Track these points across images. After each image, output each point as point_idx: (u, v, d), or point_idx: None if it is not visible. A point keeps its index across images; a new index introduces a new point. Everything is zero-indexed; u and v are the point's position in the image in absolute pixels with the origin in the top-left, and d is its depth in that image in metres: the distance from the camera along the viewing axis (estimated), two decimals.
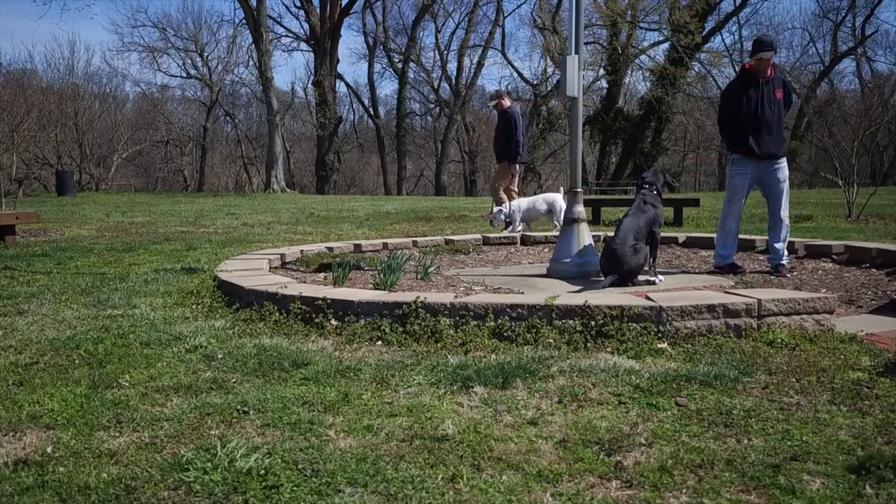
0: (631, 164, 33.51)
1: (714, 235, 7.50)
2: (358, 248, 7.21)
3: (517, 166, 9.51)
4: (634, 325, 3.55)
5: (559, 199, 9.09)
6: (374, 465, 2.16)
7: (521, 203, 9.09)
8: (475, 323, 3.69)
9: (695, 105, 35.67)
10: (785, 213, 5.79)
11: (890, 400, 2.68)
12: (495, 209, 8.97)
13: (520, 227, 9.02)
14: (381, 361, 3.28)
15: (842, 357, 3.23)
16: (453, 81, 39.82)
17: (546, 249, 7.35)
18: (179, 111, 41.64)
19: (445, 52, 40.25)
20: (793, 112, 38.11)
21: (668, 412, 2.60)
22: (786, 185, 5.76)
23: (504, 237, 7.97)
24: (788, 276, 5.52)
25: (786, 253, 5.78)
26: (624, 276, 4.92)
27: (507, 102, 9.55)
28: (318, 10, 32.07)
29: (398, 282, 4.96)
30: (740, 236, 7.48)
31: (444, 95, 40.30)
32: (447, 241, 7.61)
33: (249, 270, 5.28)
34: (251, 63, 34.27)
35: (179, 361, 3.35)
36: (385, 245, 7.37)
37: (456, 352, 3.43)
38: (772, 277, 5.47)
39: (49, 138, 23.44)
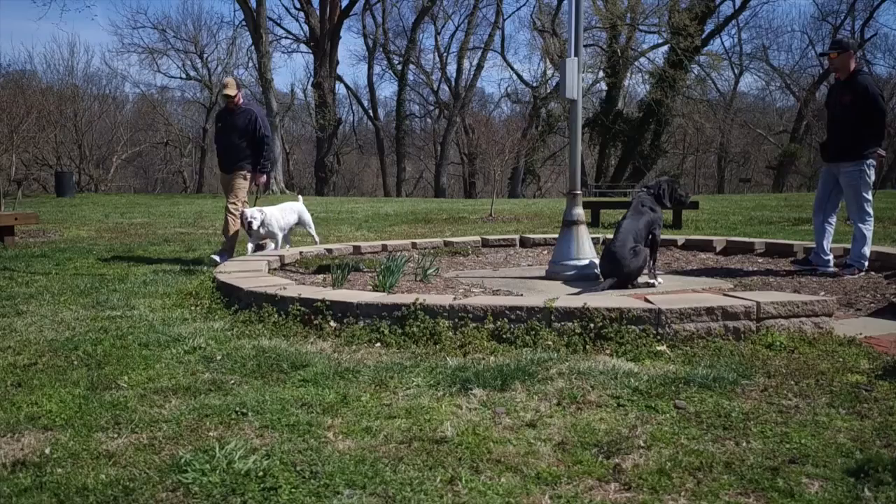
0: (630, 166, 33.55)
1: (713, 237, 7.53)
2: (357, 249, 7.21)
3: (264, 178, 7.53)
4: (633, 327, 3.55)
5: (304, 210, 7.62)
6: (373, 467, 2.16)
7: (275, 213, 7.18)
8: (474, 325, 3.69)
9: (694, 108, 35.71)
10: (855, 215, 5.75)
11: (888, 403, 2.68)
12: (251, 218, 6.84)
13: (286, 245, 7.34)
14: (379, 363, 3.28)
15: (840, 360, 3.24)
16: (453, 83, 39.84)
17: (545, 251, 7.35)
18: (179, 112, 41.66)
19: (445, 54, 40.31)
20: (791, 115, 38.25)
21: (667, 415, 2.60)
22: (850, 191, 5.71)
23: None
24: (842, 273, 5.60)
25: (861, 258, 5.68)
26: (623, 278, 4.92)
27: (241, 99, 7.44)
28: (317, 12, 32.08)
29: (397, 283, 4.96)
30: (740, 238, 7.50)
31: (443, 97, 40.33)
32: (446, 243, 7.61)
33: (248, 272, 5.28)
34: (251, 65, 34.26)
35: (178, 363, 3.34)
36: (384, 247, 7.37)
37: (455, 354, 3.43)
38: (771, 280, 5.48)
39: (48, 139, 23.42)
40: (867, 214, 5.72)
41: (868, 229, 5.72)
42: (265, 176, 7.47)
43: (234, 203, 7.17)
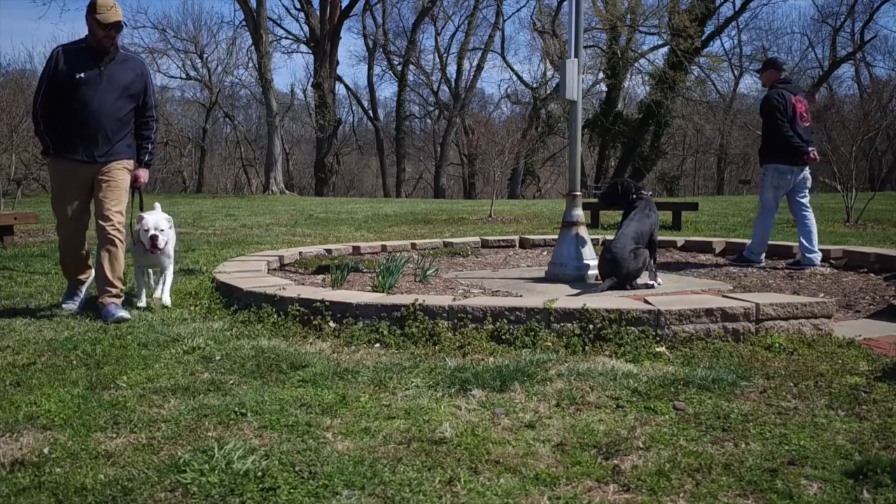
0: (630, 167, 33.54)
1: (713, 239, 7.54)
2: (357, 250, 7.21)
3: (146, 175, 4.83)
4: (633, 328, 3.55)
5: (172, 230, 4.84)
6: (372, 468, 2.16)
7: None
8: (473, 326, 3.69)
9: (694, 109, 35.70)
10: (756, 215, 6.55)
11: (887, 405, 2.68)
12: (155, 230, 4.57)
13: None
14: (378, 364, 3.27)
15: (840, 362, 3.24)
16: (453, 84, 39.82)
17: (545, 252, 7.35)
18: (179, 112, 41.58)
19: (445, 54, 40.27)
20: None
21: (666, 416, 2.60)
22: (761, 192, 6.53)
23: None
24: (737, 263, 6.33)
25: (752, 251, 6.43)
26: (623, 279, 4.92)
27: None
28: (317, 13, 32.09)
29: (397, 284, 4.96)
30: (739, 240, 7.51)
31: (443, 98, 40.32)
32: (446, 244, 7.61)
33: (248, 272, 5.28)
34: (251, 65, 34.28)
35: (177, 363, 3.34)
36: (384, 247, 7.37)
37: (454, 354, 3.43)
38: (770, 281, 5.49)
39: None
40: (763, 215, 6.39)
41: (762, 223, 6.37)
42: (147, 172, 4.81)
43: (119, 215, 4.50)
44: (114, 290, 4.43)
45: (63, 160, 4.45)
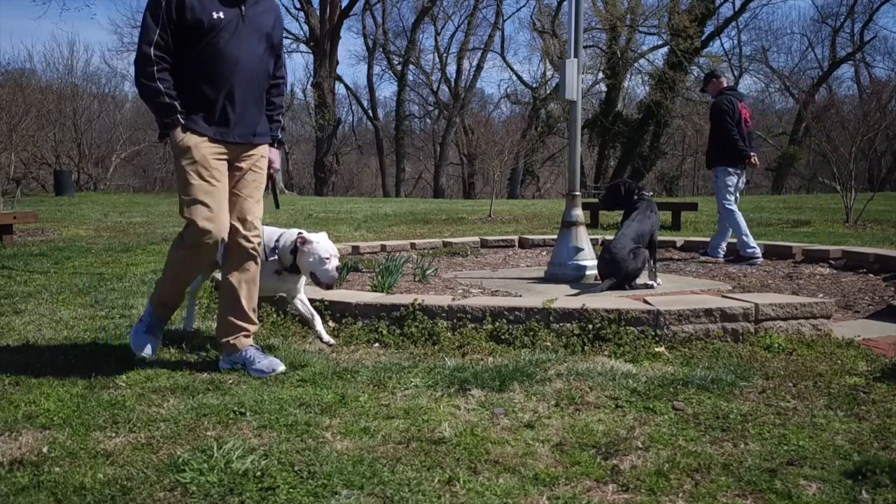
0: (629, 167, 33.55)
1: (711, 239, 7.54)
2: (356, 249, 7.20)
3: (278, 158, 3.57)
4: (632, 328, 3.55)
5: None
6: (371, 468, 2.16)
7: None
8: (473, 325, 3.69)
9: (693, 109, 35.65)
10: (721, 214, 6.95)
11: (886, 405, 2.68)
12: (334, 255, 3.56)
13: None
14: (378, 363, 3.27)
15: (839, 362, 3.24)
16: (452, 84, 39.85)
17: (544, 252, 7.36)
18: None
19: (445, 54, 40.30)
20: (791, 117, 38.36)
21: (665, 416, 2.60)
22: (716, 194, 6.95)
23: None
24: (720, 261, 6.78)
25: (745, 247, 6.66)
26: (622, 279, 4.93)
27: None
28: (317, 12, 32.07)
29: (396, 284, 4.96)
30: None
31: (443, 98, 40.33)
32: (445, 244, 7.61)
33: None
34: None
35: (176, 362, 3.34)
36: (383, 247, 7.36)
37: (453, 354, 3.43)
38: (769, 281, 5.49)
39: (47, 138, 23.38)
40: (728, 213, 6.75)
41: (733, 222, 6.69)
42: (279, 155, 3.55)
43: (259, 226, 3.31)
44: (252, 328, 3.27)
45: (203, 137, 3.08)
